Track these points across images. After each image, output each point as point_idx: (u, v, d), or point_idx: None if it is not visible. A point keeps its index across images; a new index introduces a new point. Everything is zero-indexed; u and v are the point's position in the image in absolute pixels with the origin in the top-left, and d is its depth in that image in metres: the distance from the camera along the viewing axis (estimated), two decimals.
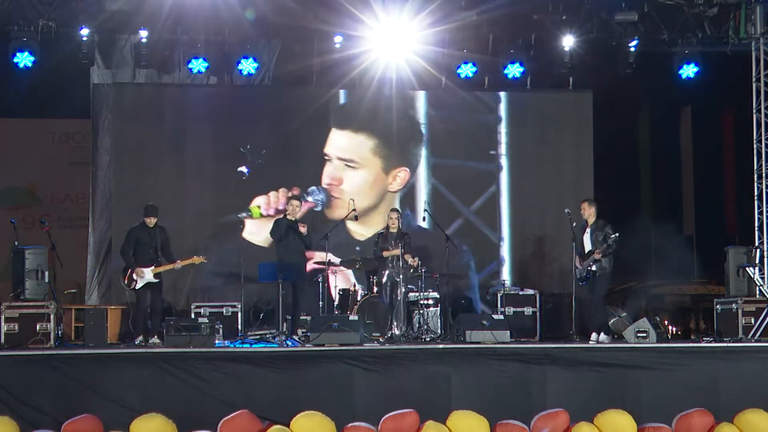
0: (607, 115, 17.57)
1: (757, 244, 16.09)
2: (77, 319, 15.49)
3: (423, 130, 17.50)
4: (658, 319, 14.93)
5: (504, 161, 17.60)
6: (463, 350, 12.48)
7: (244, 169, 16.98)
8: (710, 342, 13.65)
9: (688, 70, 16.51)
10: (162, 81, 17.14)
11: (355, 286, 15.74)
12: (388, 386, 11.97)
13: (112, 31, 16.16)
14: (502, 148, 17.62)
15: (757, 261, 15.50)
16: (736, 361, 12.51)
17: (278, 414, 11.59)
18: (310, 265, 15.63)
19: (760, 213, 16.36)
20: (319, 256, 15.50)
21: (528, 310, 15.61)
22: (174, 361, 11.88)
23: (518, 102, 17.72)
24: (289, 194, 16.65)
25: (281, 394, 11.83)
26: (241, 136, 17.06)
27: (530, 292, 15.95)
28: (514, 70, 16.55)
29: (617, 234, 13.77)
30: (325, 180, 17.15)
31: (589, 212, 14.10)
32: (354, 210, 15.34)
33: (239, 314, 15.17)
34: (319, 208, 16.91)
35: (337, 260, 15.67)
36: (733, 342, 13.55)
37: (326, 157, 17.22)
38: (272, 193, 16.97)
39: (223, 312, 15.18)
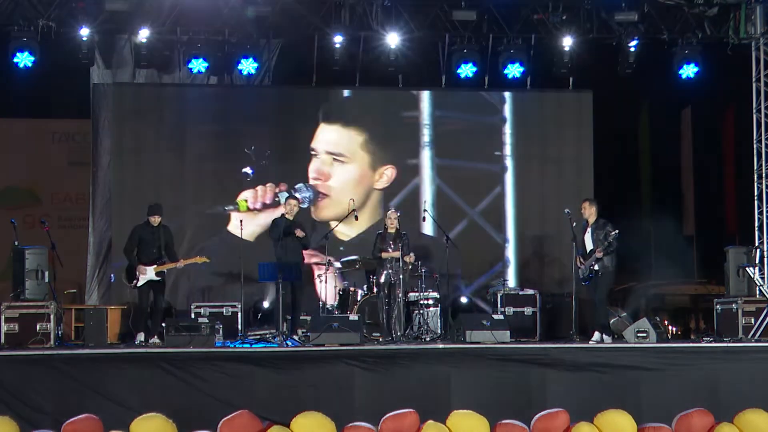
0: (607, 115, 17.56)
1: (757, 244, 16.10)
2: (77, 319, 15.47)
3: (427, 130, 17.48)
4: (658, 319, 14.92)
5: (509, 162, 17.58)
6: (463, 350, 12.48)
7: (248, 170, 16.98)
8: (710, 342, 13.66)
9: (688, 70, 16.51)
10: (162, 81, 17.14)
11: (355, 285, 15.70)
12: (388, 386, 11.98)
13: (112, 31, 16.17)
14: (507, 149, 17.60)
15: (757, 261, 15.50)
16: (736, 361, 12.52)
17: (278, 414, 11.59)
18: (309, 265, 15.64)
19: (760, 213, 16.36)
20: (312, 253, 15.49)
21: (528, 310, 15.61)
22: (174, 361, 11.89)
23: (518, 102, 17.70)
24: (278, 190, 16.70)
25: (281, 394, 11.84)
26: (240, 136, 17.06)
27: (530, 292, 15.95)
28: (514, 70, 16.54)
29: (617, 231, 13.78)
30: (312, 175, 17.13)
31: (590, 212, 14.11)
32: (354, 210, 15.36)
33: (239, 314, 15.16)
34: (305, 205, 16.90)
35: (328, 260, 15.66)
36: (733, 342, 13.56)
37: (313, 152, 17.19)
38: (259, 188, 16.96)
39: (223, 312, 15.17)
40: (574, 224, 14.24)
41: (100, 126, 16.96)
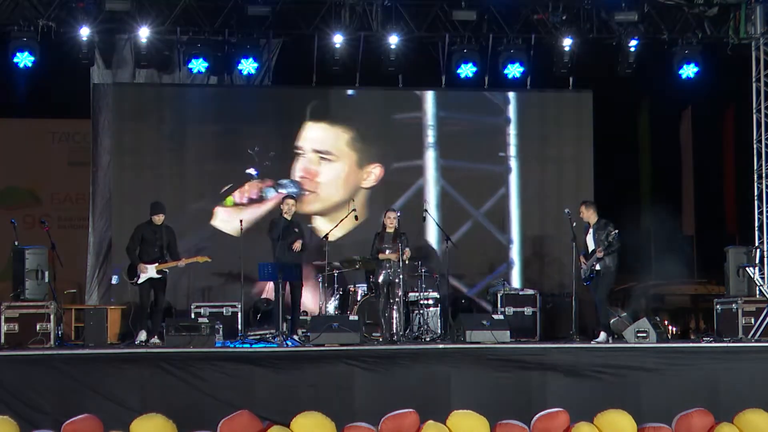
0: (607, 115, 17.56)
1: (757, 244, 16.10)
2: (77, 319, 15.48)
3: (431, 131, 17.46)
4: (658, 319, 14.93)
5: (513, 163, 17.57)
6: (463, 350, 12.49)
7: (252, 170, 16.98)
8: (710, 342, 13.66)
9: (688, 70, 16.50)
10: (162, 81, 17.13)
11: (355, 285, 15.68)
12: (388, 386, 11.99)
13: (112, 31, 16.16)
14: (512, 150, 17.59)
15: (757, 261, 15.49)
16: (736, 361, 12.53)
17: (278, 414, 11.60)
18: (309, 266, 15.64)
19: (760, 213, 16.36)
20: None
21: (528, 310, 15.60)
22: (174, 361, 11.89)
23: (518, 102, 17.69)
24: (263, 186, 16.71)
25: (281, 394, 11.85)
26: (240, 136, 17.06)
27: (530, 292, 15.95)
28: (514, 70, 16.54)
29: (617, 231, 13.79)
30: (298, 174, 17.11)
31: (587, 214, 14.14)
32: (354, 210, 15.36)
33: (239, 314, 15.16)
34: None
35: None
36: (733, 342, 13.56)
37: (298, 151, 17.14)
38: (246, 185, 16.95)
39: (223, 312, 15.17)
40: (574, 224, 14.25)
41: (100, 126, 16.95)
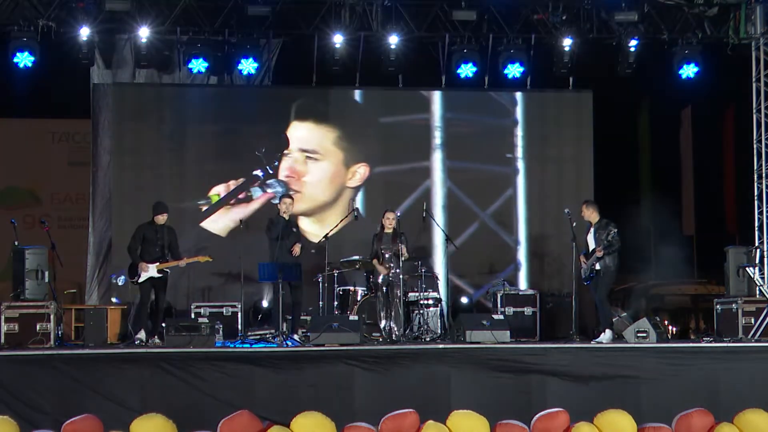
0: (607, 115, 17.56)
1: (757, 244, 16.09)
2: (77, 319, 15.48)
3: (438, 132, 17.45)
4: (658, 319, 14.92)
5: (521, 164, 17.56)
6: (463, 350, 12.48)
7: (259, 172, 16.98)
8: (710, 342, 13.65)
9: (688, 70, 16.50)
10: (162, 81, 17.14)
11: (355, 285, 15.67)
12: (388, 386, 11.99)
13: (112, 31, 16.16)
14: (519, 151, 17.59)
15: (757, 261, 15.49)
16: (736, 361, 12.53)
17: (278, 414, 11.60)
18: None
19: (760, 213, 16.36)
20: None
21: (528, 310, 15.60)
22: (174, 361, 11.89)
23: (524, 102, 17.70)
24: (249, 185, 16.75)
25: (281, 394, 11.85)
26: (240, 136, 17.06)
27: (530, 292, 15.96)
28: (514, 70, 16.54)
29: (615, 231, 13.79)
30: (285, 173, 17.08)
31: (588, 213, 14.14)
32: (354, 210, 15.36)
33: (239, 314, 15.16)
34: (276, 201, 16.93)
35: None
36: (733, 342, 13.55)
37: (285, 151, 17.14)
38: (231, 182, 16.95)
39: (223, 312, 15.18)
40: (574, 224, 14.25)
41: (100, 126, 16.95)
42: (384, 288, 14.42)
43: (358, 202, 17.14)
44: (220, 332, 14.03)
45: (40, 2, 15.61)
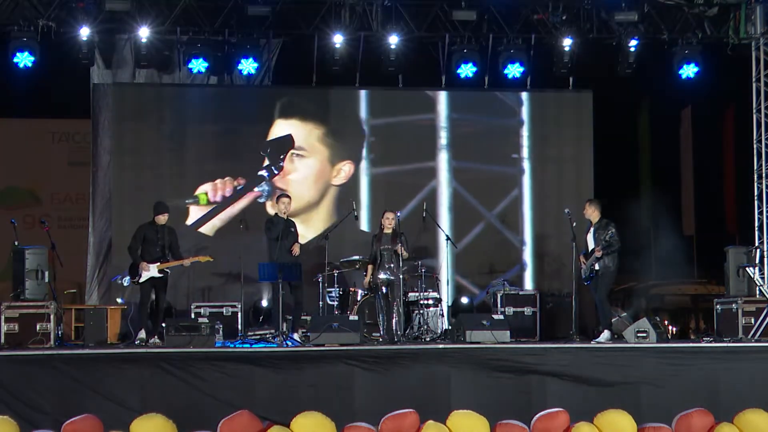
0: (607, 115, 17.57)
1: (757, 244, 16.10)
2: (77, 319, 15.48)
3: (444, 133, 17.44)
4: (658, 319, 14.91)
5: (526, 164, 17.56)
6: (463, 350, 12.48)
7: (264, 173, 16.98)
8: (710, 342, 13.65)
9: (688, 70, 16.50)
10: (162, 81, 17.14)
11: (355, 285, 15.68)
12: (388, 386, 11.98)
13: (112, 31, 16.16)
14: (525, 151, 17.59)
15: (757, 261, 15.49)
16: (736, 361, 12.52)
17: (278, 414, 11.60)
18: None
19: (760, 213, 16.36)
20: None
21: (528, 310, 15.60)
22: (174, 361, 11.89)
23: (531, 103, 17.72)
24: (236, 183, 16.77)
25: (281, 394, 11.84)
26: (241, 136, 17.06)
27: (530, 292, 15.96)
28: (514, 70, 16.54)
29: (612, 231, 13.80)
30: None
31: (590, 212, 14.14)
32: (354, 210, 15.35)
33: (239, 314, 15.16)
34: (262, 200, 16.93)
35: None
36: (733, 342, 13.55)
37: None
38: (218, 181, 16.93)
39: (223, 312, 15.18)
40: (574, 224, 14.25)
41: (100, 126, 16.95)
42: (384, 288, 14.41)
43: (363, 203, 17.13)
44: (220, 332, 14.03)
45: (40, 2, 15.61)
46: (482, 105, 17.48)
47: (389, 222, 14.52)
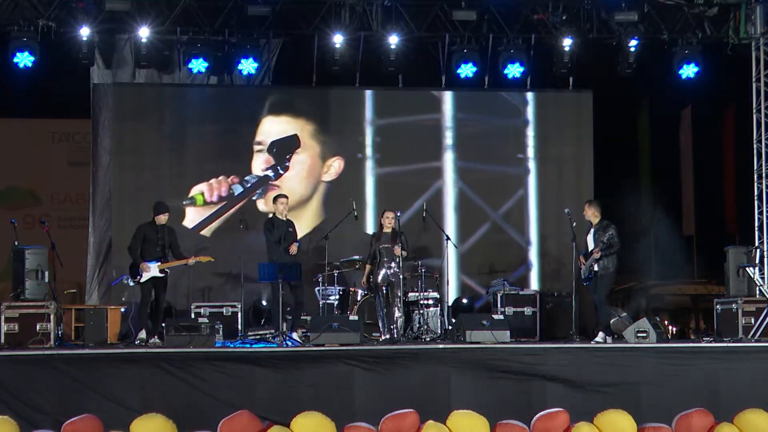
0: (607, 115, 17.57)
1: (757, 244, 16.09)
2: (77, 319, 15.48)
3: (449, 133, 17.45)
4: (658, 319, 14.92)
5: (532, 164, 17.55)
6: (463, 350, 12.48)
7: (270, 172, 16.98)
8: (710, 342, 13.65)
9: (688, 70, 16.50)
10: (162, 81, 17.14)
11: (354, 285, 15.68)
12: (388, 386, 11.98)
13: (112, 31, 16.17)
14: (530, 151, 17.58)
15: (757, 261, 15.49)
16: (736, 361, 12.53)
17: (278, 414, 11.60)
18: None
19: (760, 213, 16.36)
20: None
21: (528, 310, 15.60)
22: (174, 361, 11.89)
23: (535, 103, 17.72)
24: (230, 183, 16.79)
25: (281, 394, 11.84)
26: (241, 136, 17.06)
27: (530, 292, 15.96)
28: (514, 70, 16.54)
29: (611, 232, 13.79)
30: (263, 167, 17.01)
31: (589, 213, 14.13)
32: (354, 210, 15.35)
33: (239, 314, 15.16)
34: (255, 198, 16.94)
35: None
36: (733, 342, 13.55)
37: (260, 146, 17.11)
38: (213, 181, 16.91)
39: (223, 312, 15.18)
40: (574, 224, 14.24)
41: (100, 126, 16.95)
42: (384, 288, 14.41)
43: (369, 203, 17.13)
44: (220, 332, 14.02)
45: (40, 2, 15.61)
46: (487, 105, 17.50)
47: (389, 221, 14.52)
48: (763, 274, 15.67)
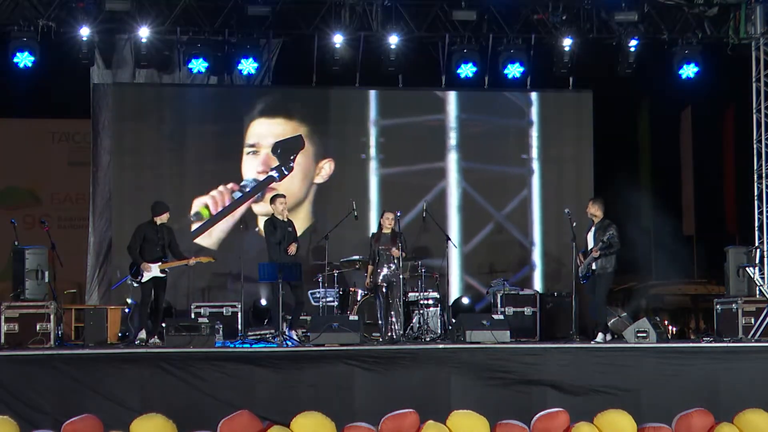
0: (607, 115, 17.57)
1: (757, 244, 16.10)
2: (77, 319, 15.48)
3: (453, 133, 17.44)
4: (658, 319, 14.92)
5: (535, 165, 17.54)
6: (463, 350, 12.48)
7: (274, 173, 16.97)
8: (710, 342, 13.65)
9: (688, 70, 16.50)
10: (162, 81, 17.14)
11: (355, 285, 15.68)
12: (388, 386, 11.99)
13: (112, 31, 16.17)
14: (534, 152, 17.58)
15: (757, 261, 15.49)
16: (736, 361, 12.53)
17: (278, 414, 11.60)
18: None
19: (760, 213, 16.36)
20: None
21: (528, 310, 15.59)
22: (174, 361, 11.89)
23: (539, 103, 17.73)
24: (231, 190, 16.76)
25: (281, 394, 11.85)
26: (241, 136, 17.06)
27: (530, 292, 15.95)
28: (514, 70, 16.55)
29: (611, 232, 13.77)
30: (259, 169, 16.99)
31: (593, 210, 14.10)
32: (354, 210, 15.35)
33: (239, 314, 15.16)
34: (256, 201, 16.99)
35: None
36: (733, 342, 13.55)
37: (252, 149, 17.08)
38: (214, 192, 16.90)
39: (223, 312, 15.17)
40: (574, 224, 14.24)
41: (100, 126, 16.96)
42: (383, 288, 14.41)
43: (372, 203, 17.12)
44: (220, 332, 14.02)
45: (40, 2, 15.61)
46: (491, 105, 17.49)
47: (389, 222, 14.53)
48: (763, 274, 15.67)
